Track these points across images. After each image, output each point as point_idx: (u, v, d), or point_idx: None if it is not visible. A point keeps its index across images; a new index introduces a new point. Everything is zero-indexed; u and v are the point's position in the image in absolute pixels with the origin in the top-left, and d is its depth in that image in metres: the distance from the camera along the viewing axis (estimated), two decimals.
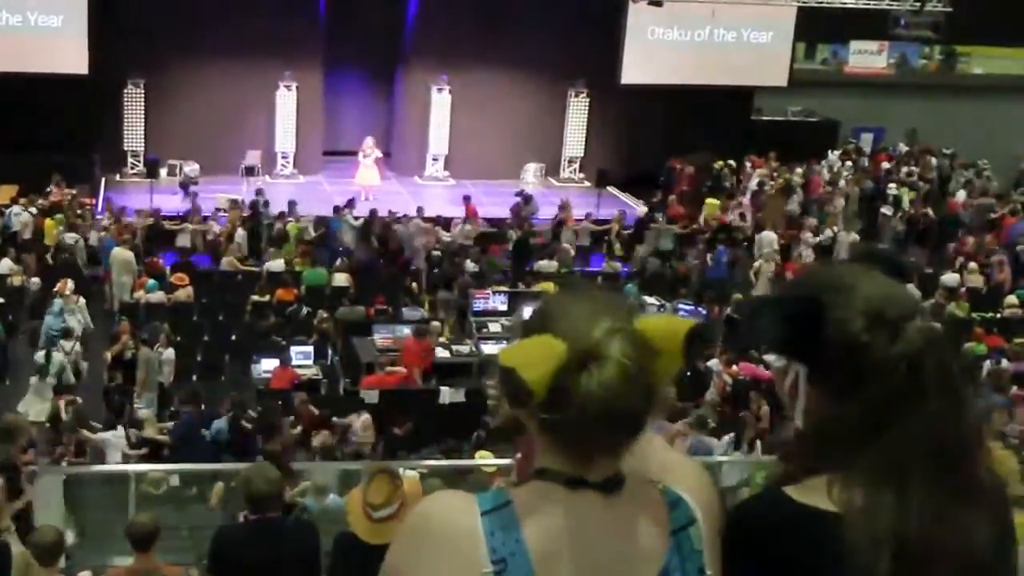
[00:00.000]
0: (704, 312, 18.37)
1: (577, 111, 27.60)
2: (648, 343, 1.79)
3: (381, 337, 16.13)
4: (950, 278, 20.34)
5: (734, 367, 16.16)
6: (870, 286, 1.89)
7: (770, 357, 2.02)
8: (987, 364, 15.91)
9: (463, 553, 1.77)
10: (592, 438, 1.79)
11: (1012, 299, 19.94)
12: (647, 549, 1.82)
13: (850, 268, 1.98)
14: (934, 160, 29.27)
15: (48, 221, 20.52)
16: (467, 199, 23.23)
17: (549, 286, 18.18)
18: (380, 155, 25.46)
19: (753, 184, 25.94)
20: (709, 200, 24.32)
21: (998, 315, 19.33)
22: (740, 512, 2.01)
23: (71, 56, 23.64)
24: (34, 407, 13.68)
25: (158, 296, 17.95)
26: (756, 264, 21.34)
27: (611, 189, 26.27)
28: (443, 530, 1.80)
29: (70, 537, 8.03)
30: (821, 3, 25.92)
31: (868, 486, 1.81)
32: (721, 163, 26.71)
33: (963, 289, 19.94)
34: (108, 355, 15.69)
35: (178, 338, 16.25)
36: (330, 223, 21.50)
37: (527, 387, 1.73)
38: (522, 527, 1.78)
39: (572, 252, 21.66)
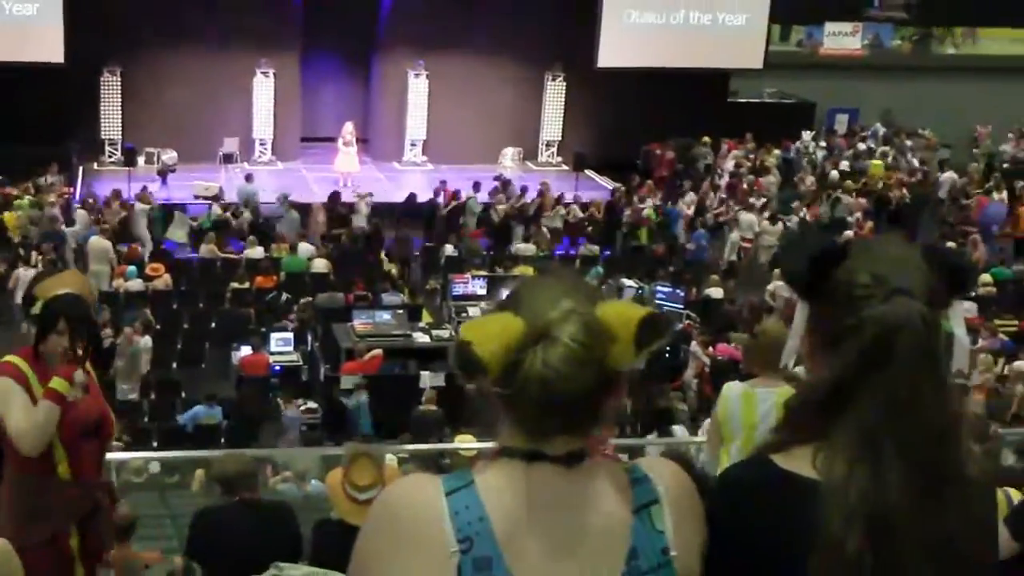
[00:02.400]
0: (682, 294, 18.47)
1: (554, 95, 27.64)
2: (603, 329, 1.80)
3: (360, 323, 16.19)
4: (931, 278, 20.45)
5: (710, 348, 16.31)
6: (895, 256, 1.91)
7: (779, 284, 2.06)
8: None
9: (429, 535, 1.79)
10: (542, 417, 1.81)
11: (987, 277, 20.09)
12: (611, 524, 1.84)
13: (894, 239, 1.99)
14: (909, 141, 29.53)
15: (8, 214, 20.50)
16: (443, 184, 23.31)
17: (527, 270, 18.29)
18: (356, 141, 25.46)
19: (729, 166, 26.08)
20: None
21: (972, 294, 19.47)
22: (726, 477, 2.05)
23: (47, 45, 23.49)
24: None
25: (137, 284, 17.98)
26: (733, 239, 21.58)
27: (589, 172, 26.35)
28: (408, 513, 1.83)
29: None
30: None
31: (847, 458, 1.81)
32: (707, 141, 26.91)
33: None
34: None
35: (157, 326, 16.30)
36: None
37: (480, 361, 1.77)
38: (486, 505, 1.80)
39: (549, 236, 21.75)
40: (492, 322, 1.81)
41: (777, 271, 18.25)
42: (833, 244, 1.95)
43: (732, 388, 5.71)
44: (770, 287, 18.18)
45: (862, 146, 29.03)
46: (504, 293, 1.96)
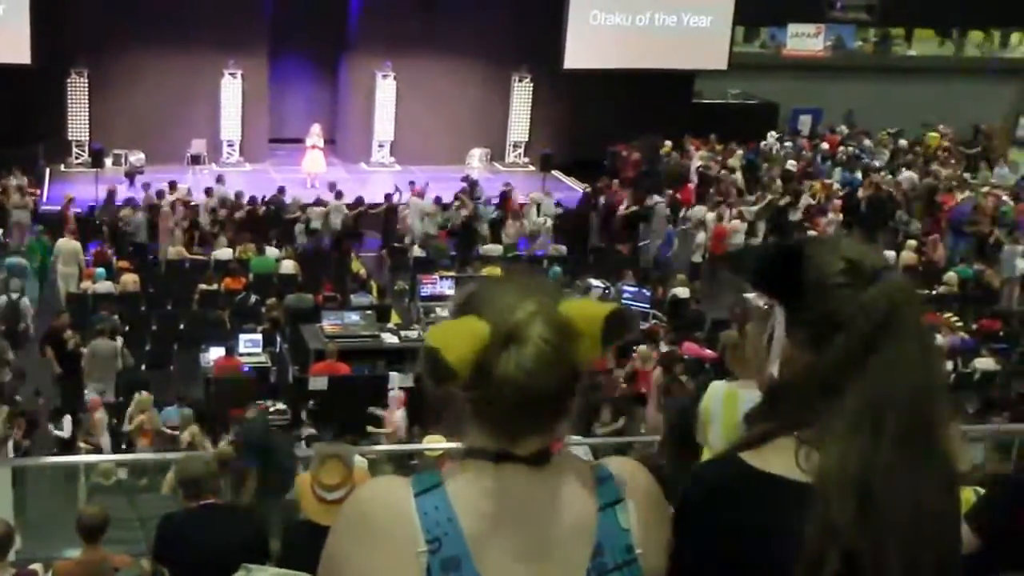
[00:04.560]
0: (648, 293, 18.61)
1: (521, 96, 27.80)
2: (569, 326, 1.81)
3: (329, 324, 16.24)
4: (887, 255, 20.72)
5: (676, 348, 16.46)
6: (852, 242, 1.96)
7: (750, 295, 2.04)
8: None
9: (398, 535, 1.80)
10: (515, 419, 1.82)
11: (952, 276, 20.32)
12: (578, 522, 1.85)
13: (844, 234, 2.12)
14: (868, 141, 29.86)
15: None
16: (412, 184, 23.39)
17: (495, 270, 18.38)
18: (323, 142, 25.53)
19: (695, 166, 26.21)
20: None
21: (933, 292, 19.68)
22: (695, 476, 2.02)
23: (13, 45, 23.43)
24: None
25: (105, 286, 17.97)
26: (699, 239, 21.72)
27: (556, 173, 26.50)
28: (377, 515, 1.84)
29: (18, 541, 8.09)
30: None
31: (840, 434, 1.83)
32: (668, 147, 27.00)
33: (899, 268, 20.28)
34: (49, 349, 15.61)
35: (126, 328, 16.31)
36: None
37: (449, 367, 1.77)
38: (454, 506, 1.81)
39: (516, 239, 21.92)
40: (458, 327, 1.81)
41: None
42: (787, 245, 2.00)
43: (716, 388, 5.66)
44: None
45: (825, 146, 29.30)
46: (461, 294, 1.96)
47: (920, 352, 1.87)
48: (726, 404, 5.48)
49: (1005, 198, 24.59)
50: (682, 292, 19.13)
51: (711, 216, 22.29)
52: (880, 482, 1.80)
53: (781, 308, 1.95)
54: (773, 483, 1.88)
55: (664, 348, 15.99)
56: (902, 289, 1.88)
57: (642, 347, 14.88)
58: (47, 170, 24.58)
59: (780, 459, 1.89)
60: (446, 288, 18.20)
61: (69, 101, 25.17)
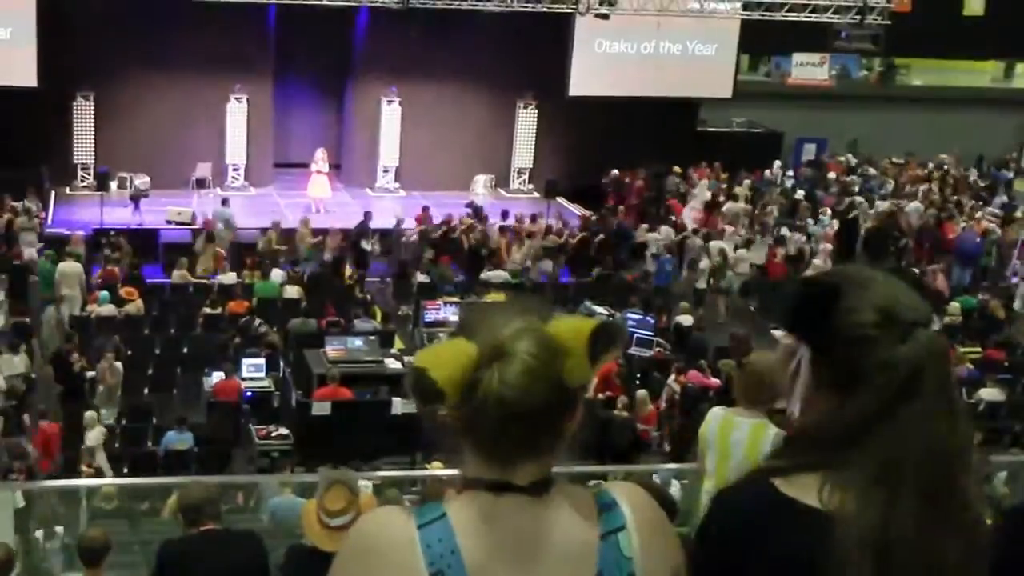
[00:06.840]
0: (652, 321, 18.56)
1: (526, 123, 27.82)
2: (556, 343, 1.82)
3: (333, 349, 16.22)
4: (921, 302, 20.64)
5: (681, 376, 16.43)
6: (888, 286, 1.93)
7: (779, 333, 2.08)
8: None
9: (401, 567, 1.81)
10: (506, 438, 1.81)
11: (955, 306, 20.28)
12: (579, 551, 1.85)
13: (872, 268, 2.01)
14: (872, 170, 29.87)
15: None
16: (425, 209, 23.38)
17: (499, 296, 18.27)
18: (328, 167, 25.56)
19: (705, 195, 26.20)
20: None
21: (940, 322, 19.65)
22: (722, 498, 2.02)
23: (20, 68, 23.51)
24: None
25: (109, 309, 17.94)
26: (703, 266, 21.68)
27: (560, 200, 26.51)
28: (381, 546, 1.84)
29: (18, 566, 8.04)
30: (764, 16, 26.31)
31: (861, 486, 1.82)
32: (679, 170, 27.06)
33: None
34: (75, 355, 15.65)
35: (129, 351, 16.29)
36: None
37: (436, 387, 1.78)
38: (457, 537, 1.82)
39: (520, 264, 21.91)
40: (445, 348, 1.83)
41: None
42: (821, 285, 1.98)
43: (714, 414, 5.80)
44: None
45: (832, 175, 29.29)
46: (457, 321, 1.97)
47: (944, 410, 1.86)
48: (721, 431, 5.57)
49: (993, 226, 24.75)
50: (685, 320, 19.11)
51: (723, 245, 22.26)
52: (900, 540, 1.80)
53: (808, 349, 1.95)
54: (798, 510, 1.87)
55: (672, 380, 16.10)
56: (933, 349, 1.87)
57: (640, 391, 15.29)
58: (52, 193, 24.58)
59: (810, 489, 1.89)
60: (450, 314, 18.19)
61: (75, 124, 25.22)
